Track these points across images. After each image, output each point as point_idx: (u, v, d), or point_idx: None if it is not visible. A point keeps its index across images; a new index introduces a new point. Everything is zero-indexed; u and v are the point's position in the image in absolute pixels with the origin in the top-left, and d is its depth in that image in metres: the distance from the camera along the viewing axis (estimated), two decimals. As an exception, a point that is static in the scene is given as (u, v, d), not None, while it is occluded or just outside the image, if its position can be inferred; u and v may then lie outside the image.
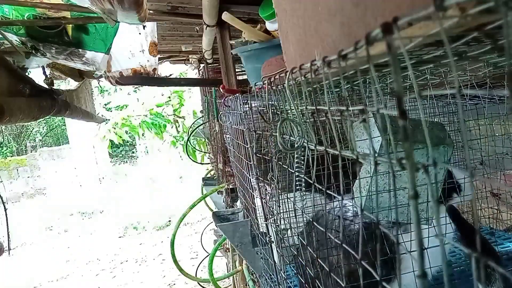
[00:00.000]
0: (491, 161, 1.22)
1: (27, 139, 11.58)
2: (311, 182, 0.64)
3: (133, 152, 11.63)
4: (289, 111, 0.70)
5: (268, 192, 1.14)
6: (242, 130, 1.23)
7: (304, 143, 0.64)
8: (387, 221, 0.90)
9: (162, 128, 6.63)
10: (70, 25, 1.91)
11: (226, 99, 1.49)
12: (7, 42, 1.86)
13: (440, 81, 0.90)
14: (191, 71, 4.66)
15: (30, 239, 7.05)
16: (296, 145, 0.65)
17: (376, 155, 0.37)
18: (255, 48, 1.37)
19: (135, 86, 4.96)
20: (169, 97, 6.64)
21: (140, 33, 2.57)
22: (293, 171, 0.82)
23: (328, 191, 0.57)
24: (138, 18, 1.31)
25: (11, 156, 10.54)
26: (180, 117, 6.44)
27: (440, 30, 0.28)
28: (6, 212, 3.68)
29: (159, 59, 3.27)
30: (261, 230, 1.33)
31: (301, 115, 0.63)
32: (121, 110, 7.65)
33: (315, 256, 0.81)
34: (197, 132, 4.43)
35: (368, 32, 0.33)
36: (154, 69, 2.71)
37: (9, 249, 3.96)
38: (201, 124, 4.30)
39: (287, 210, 1.04)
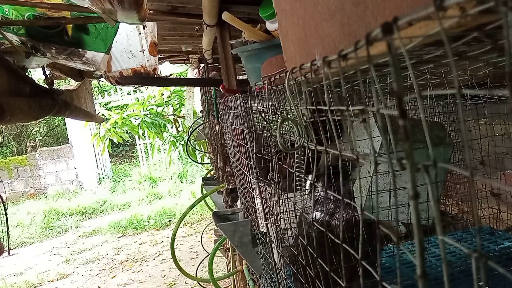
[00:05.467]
0: (491, 161, 1.22)
1: (27, 139, 11.57)
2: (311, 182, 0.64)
3: (133, 152, 11.62)
4: (289, 111, 0.70)
5: (268, 192, 1.14)
6: (242, 130, 1.23)
7: (304, 143, 0.64)
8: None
9: (162, 128, 6.63)
10: (70, 25, 1.91)
11: (226, 99, 1.49)
12: (7, 42, 1.86)
13: (440, 81, 0.90)
14: (191, 71, 4.66)
15: (30, 239, 7.05)
16: (296, 145, 0.65)
17: (376, 154, 0.37)
18: (255, 48, 1.37)
19: (135, 86, 4.96)
20: (169, 97, 6.63)
21: (140, 33, 2.57)
22: (293, 171, 0.83)
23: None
24: (138, 18, 1.31)
25: (11, 156, 10.53)
26: (180, 117, 6.43)
27: (440, 30, 0.28)
28: (6, 212, 3.68)
29: (159, 59, 3.27)
30: (261, 230, 1.33)
31: (301, 115, 0.63)
32: (121, 110, 7.65)
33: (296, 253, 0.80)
34: (198, 135, 4.42)
35: (368, 32, 0.33)
36: (154, 69, 2.71)
37: (9, 249, 3.96)
38: (201, 124, 4.30)
39: (287, 210, 1.04)
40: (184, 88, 5.80)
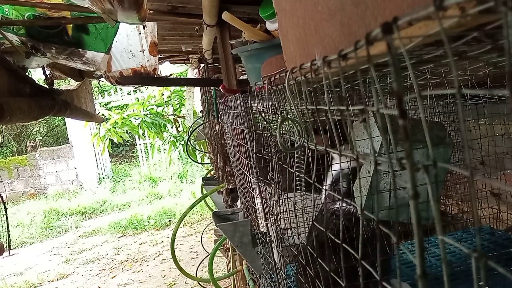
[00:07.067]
0: (491, 161, 1.22)
1: (27, 139, 11.56)
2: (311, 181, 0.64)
3: (133, 152, 11.62)
4: (289, 111, 0.70)
5: (268, 192, 1.14)
6: (242, 130, 1.23)
7: (304, 143, 0.64)
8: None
9: (162, 128, 6.62)
10: (70, 25, 1.91)
11: (226, 99, 1.49)
12: (7, 42, 1.86)
13: (440, 81, 0.90)
14: (191, 71, 4.66)
15: (30, 239, 7.05)
16: (296, 145, 0.65)
17: (376, 154, 0.37)
18: (255, 48, 1.37)
19: (135, 86, 4.96)
20: (169, 97, 6.63)
21: (140, 33, 2.57)
22: (293, 171, 0.82)
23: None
24: (138, 18, 1.31)
25: (11, 156, 10.53)
26: (180, 117, 6.43)
27: (440, 30, 0.28)
28: (6, 212, 3.68)
29: (159, 59, 3.27)
30: (261, 230, 1.33)
31: (301, 115, 0.63)
32: (121, 110, 7.65)
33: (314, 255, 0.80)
34: (198, 135, 4.43)
35: (368, 32, 0.33)
36: (154, 69, 2.71)
37: (9, 249, 3.96)
38: (201, 124, 4.30)
39: (287, 210, 1.04)
40: (184, 88, 5.80)
